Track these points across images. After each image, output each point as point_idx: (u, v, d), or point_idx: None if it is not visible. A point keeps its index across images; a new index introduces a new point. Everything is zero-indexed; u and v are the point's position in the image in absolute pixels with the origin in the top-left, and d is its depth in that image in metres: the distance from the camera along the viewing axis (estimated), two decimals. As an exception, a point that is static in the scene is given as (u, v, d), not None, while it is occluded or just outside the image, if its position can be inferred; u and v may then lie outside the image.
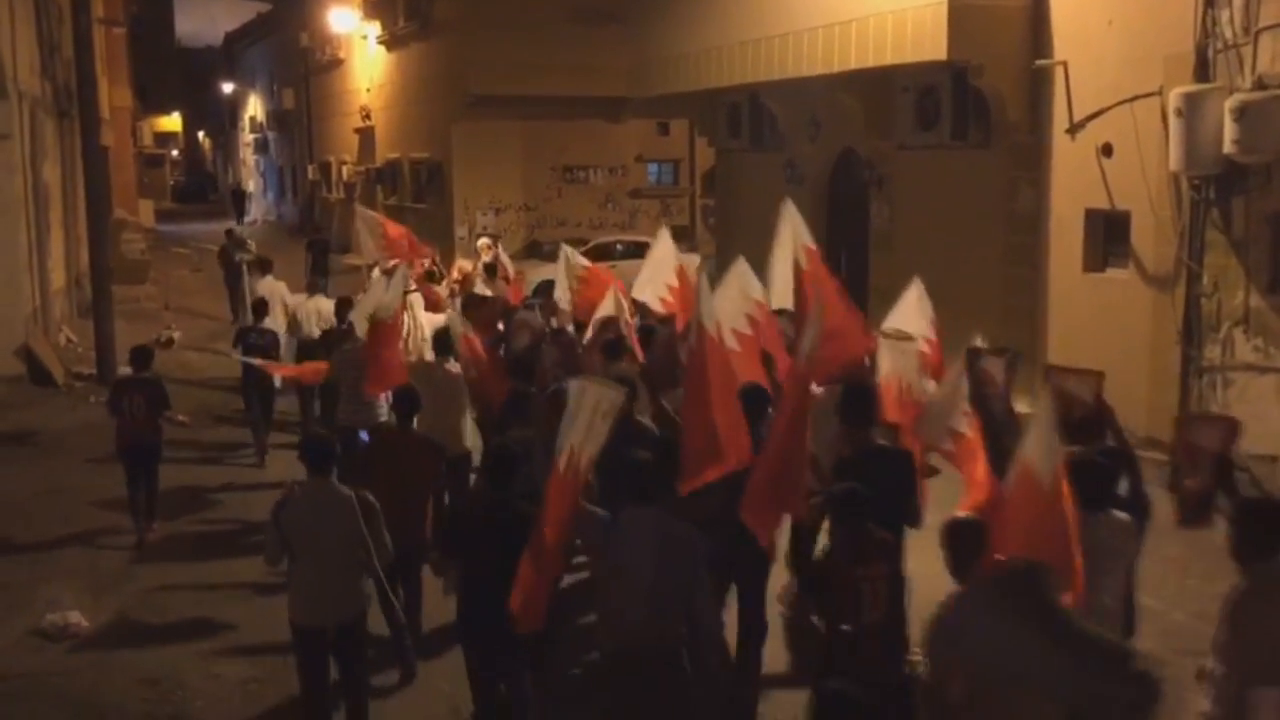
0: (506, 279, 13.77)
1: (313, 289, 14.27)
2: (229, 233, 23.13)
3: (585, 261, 11.93)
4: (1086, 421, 6.48)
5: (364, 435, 9.30)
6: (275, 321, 13.14)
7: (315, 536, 6.00)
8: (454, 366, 9.33)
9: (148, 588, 9.04)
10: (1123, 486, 5.86)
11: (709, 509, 6.02)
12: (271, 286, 14.85)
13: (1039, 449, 4.98)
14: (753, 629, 6.63)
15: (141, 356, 10.42)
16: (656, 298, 10.51)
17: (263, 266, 16.32)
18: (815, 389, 7.12)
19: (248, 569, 9.11)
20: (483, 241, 15.83)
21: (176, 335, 19.48)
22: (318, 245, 22.39)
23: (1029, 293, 13.30)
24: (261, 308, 13.03)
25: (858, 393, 6.87)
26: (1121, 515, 5.44)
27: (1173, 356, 11.37)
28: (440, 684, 7.21)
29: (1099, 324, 12.33)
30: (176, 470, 11.09)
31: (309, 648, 6.16)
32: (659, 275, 10.64)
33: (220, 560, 9.62)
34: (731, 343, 7.61)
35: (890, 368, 7.93)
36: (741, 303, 8.47)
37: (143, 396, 9.96)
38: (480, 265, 14.18)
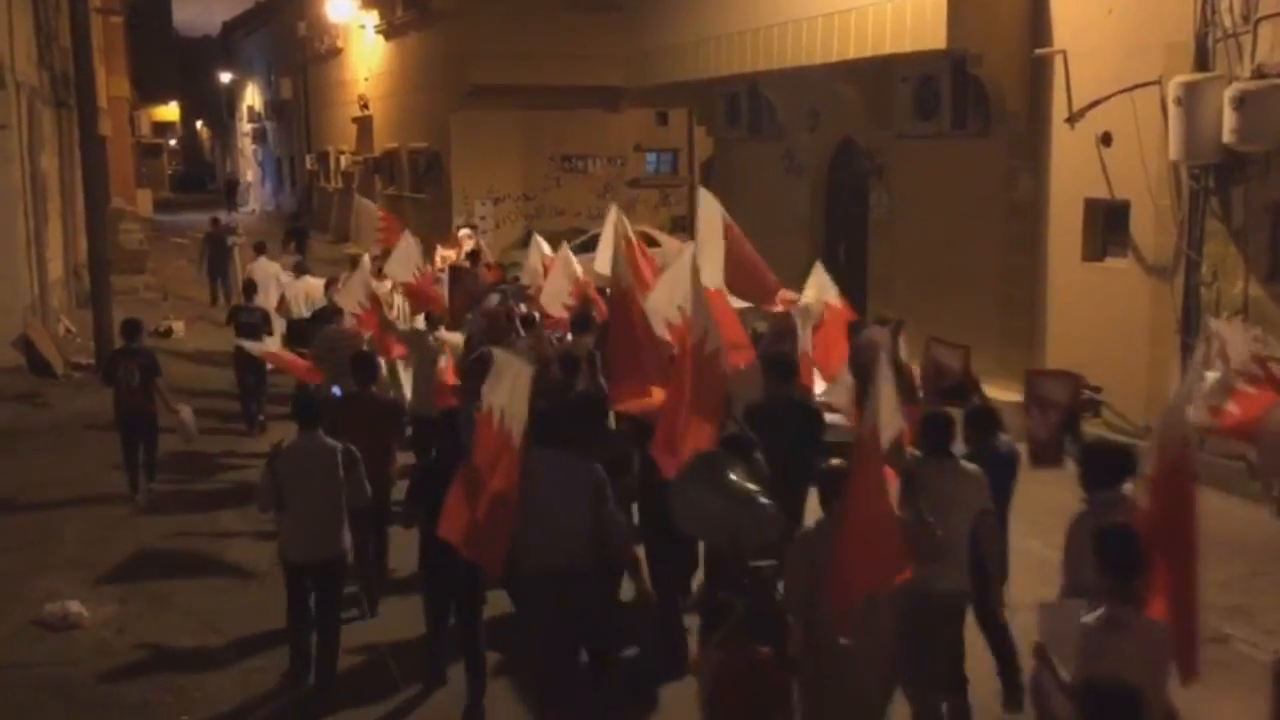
0: (488, 265, 14.74)
1: (300, 270, 14.75)
2: (214, 220, 24.11)
3: (549, 250, 12.60)
4: (956, 387, 7.54)
5: (337, 391, 9.67)
6: (267, 300, 13.60)
7: (305, 482, 6.83)
8: (444, 335, 10.29)
9: (147, 577, 9.05)
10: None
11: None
12: (265, 268, 15.47)
13: (883, 411, 5.26)
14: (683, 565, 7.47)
15: (132, 328, 10.99)
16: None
17: (257, 249, 17.12)
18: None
19: (248, 559, 9.14)
20: (463, 232, 17.07)
21: (176, 325, 19.49)
22: (296, 233, 23.16)
23: (1028, 282, 13.29)
24: (251, 287, 13.71)
25: (775, 357, 8.18)
26: (969, 466, 6.18)
27: (1172, 345, 11.38)
28: (403, 619, 7.85)
29: (1098, 313, 12.33)
30: (172, 438, 11.26)
31: (296, 581, 7.02)
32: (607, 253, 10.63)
33: (219, 551, 9.63)
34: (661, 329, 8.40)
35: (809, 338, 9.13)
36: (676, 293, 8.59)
37: (136, 365, 10.51)
38: (464, 254, 14.97)
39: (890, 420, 5.38)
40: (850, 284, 17.01)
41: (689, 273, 7.73)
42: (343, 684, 7.14)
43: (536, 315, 11.09)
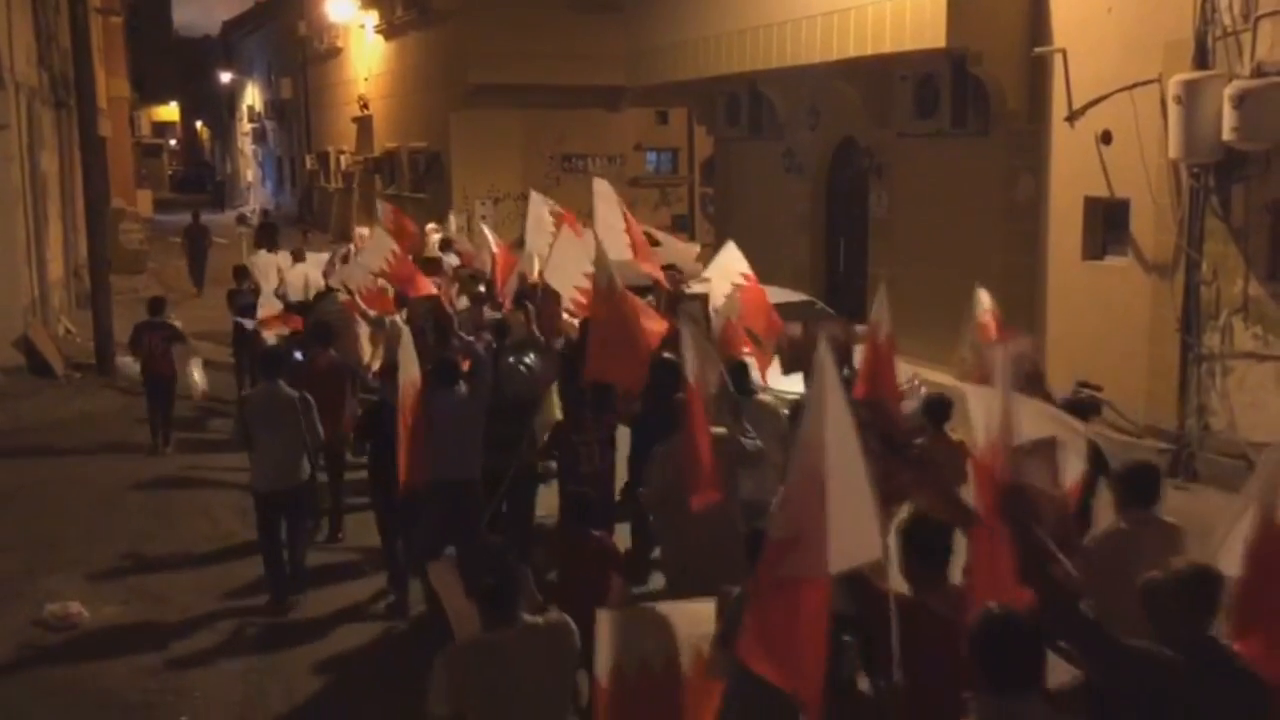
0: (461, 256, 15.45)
1: (297, 257, 15.83)
2: (195, 215, 26.28)
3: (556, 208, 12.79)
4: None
5: (298, 355, 10.28)
6: (266, 285, 14.44)
7: (268, 424, 8.13)
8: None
9: (148, 578, 9.05)
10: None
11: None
12: (266, 259, 16.41)
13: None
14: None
15: (157, 305, 13.08)
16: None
17: (258, 241, 18.78)
18: None
19: (250, 561, 9.14)
20: (430, 226, 18.96)
21: (177, 324, 19.48)
22: (265, 229, 23.79)
23: (1028, 281, 13.29)
24: (242, 273, 15.01)
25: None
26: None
27: (1172, 344, 11.37)
28: (359, 538, 9.39)
29: (1098, 312, 12.33)
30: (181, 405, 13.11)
31: (266, 509, 8.27)
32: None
33: (220, 552, 9.64)
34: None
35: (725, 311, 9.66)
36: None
37: (159, 336, 12.51)
38: (437, 244, 16.46)
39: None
40: (850, 283, 17.06)
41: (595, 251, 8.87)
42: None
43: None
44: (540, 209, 12.42)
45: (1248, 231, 10.67)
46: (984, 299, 8.74)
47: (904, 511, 5.25)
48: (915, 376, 10.40)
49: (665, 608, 5.08)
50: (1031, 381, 6.64)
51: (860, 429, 4.23)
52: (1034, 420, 5.19)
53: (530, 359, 9.36)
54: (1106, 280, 12.32)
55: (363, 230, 17.78)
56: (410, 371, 7.54)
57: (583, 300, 9.84)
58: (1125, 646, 3.82)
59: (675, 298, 10.42)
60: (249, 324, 12.72)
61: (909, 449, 6.59)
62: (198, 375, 13.96)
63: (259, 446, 8.18)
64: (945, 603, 4.35)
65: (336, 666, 7.48)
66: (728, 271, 10.22)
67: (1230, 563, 4.26)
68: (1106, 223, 12.41)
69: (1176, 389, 11.30)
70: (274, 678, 7.39)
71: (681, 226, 27.97)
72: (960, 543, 4.71)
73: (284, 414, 8.09)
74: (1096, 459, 5.74)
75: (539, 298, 10.31)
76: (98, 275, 16.86)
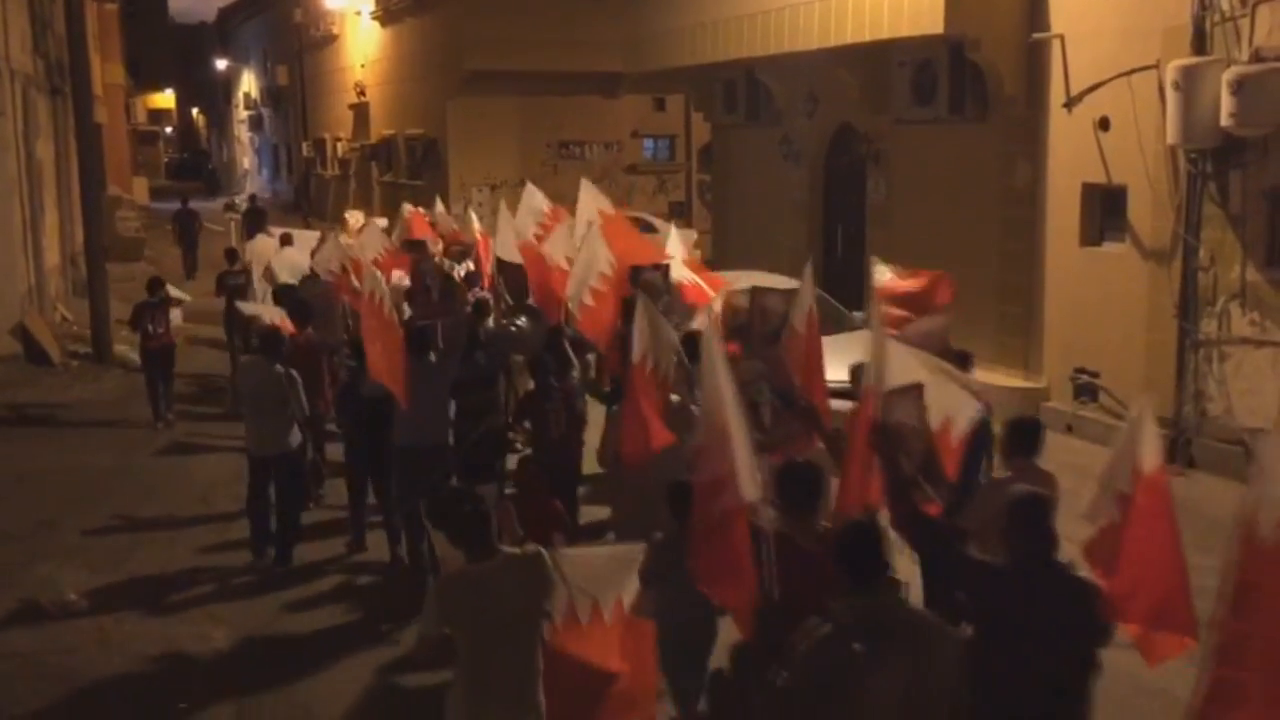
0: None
1: (285, 241, 16.38)
2: (184, 200, 27.75)
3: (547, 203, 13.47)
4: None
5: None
6: (258, 269, 15.10)
7: (259, 394, 8.91)
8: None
9: (146, 566, 9.05)
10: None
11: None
12: (262, 244, 16.96)
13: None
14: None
15: (156, 284, 13.73)
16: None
17: (246, 226, 21.06)
18: None
19: (247, 555, 9.15)
20: (406, 206, 19.04)
21: (174, 313, 19.47)
22: (252, 214, 26.05)
23: (1026, 267, 13.28)
24: (232, 255, 16.16)
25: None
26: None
27: (1169, 330, 11.37)
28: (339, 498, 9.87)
29: (1096, 298, 12.33)
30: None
31: (256, 470, 9.04)
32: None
33: (218, 539, 9.65)
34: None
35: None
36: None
37: (161, 314, 13.25)
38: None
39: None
40: (848, 269, 17.05)
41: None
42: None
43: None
44: (533, 199, 13.14)
45: (1245, 217, 10.66)
46: (883, 271, 9.16)
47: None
48: None
49: (597, 553, 5.50)
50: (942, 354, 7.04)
51: (756, 382, 5.83)
52: (905, 367, 5.81)
53: (522, 321, 10.68)
54: (1104, 266, 12.32)
55: (355, 213, 19.79)
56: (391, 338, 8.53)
57: (601, 289, 10.36)
58: (966, 557, 4.66)
59: (635, 270, 10.95)
60: (245, 308, 12.86)
61: (799, 403, 7.16)
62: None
63: (250, 415, 9.11)
64: (811, 538, 5.00)
65: (338, 655, 7.49)
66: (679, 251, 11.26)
67: (1105, 509, 4.89)
68: (1104, 209, 12.40)
69: (1174, 375, 11.30)
70: (273, 663, 7.40)
71: (679, 213, 27.94)
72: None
73: (273, 387, 8.87)
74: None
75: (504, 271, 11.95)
76: (94, 263, 16.84)
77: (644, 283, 10.03)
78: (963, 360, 7.44)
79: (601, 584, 5.03)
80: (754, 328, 8.25)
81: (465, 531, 4.82)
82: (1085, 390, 12.49)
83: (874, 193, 16.34)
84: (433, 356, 8.67)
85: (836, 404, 7.24)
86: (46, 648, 7.65)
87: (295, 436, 9.06)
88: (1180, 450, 11.09)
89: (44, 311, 18.10)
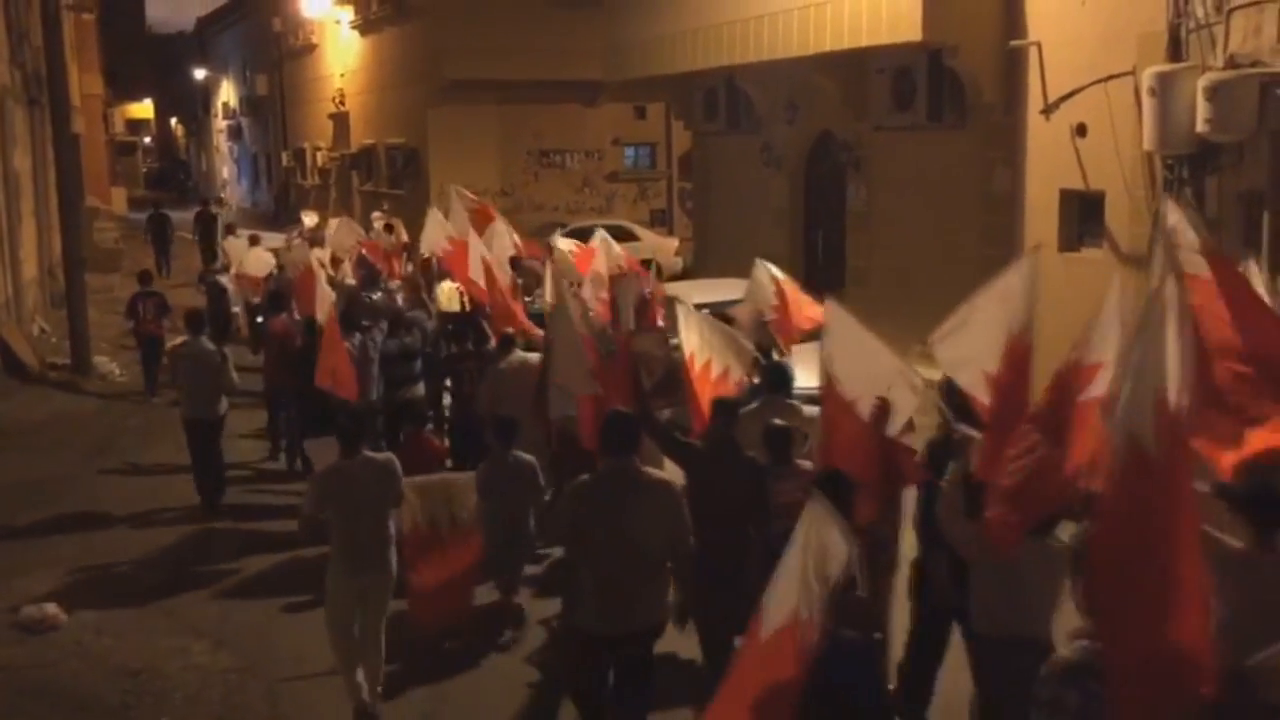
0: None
1: (254, 241, 17.87)
2: (156, 205, 29.24)
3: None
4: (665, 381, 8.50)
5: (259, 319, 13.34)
6: (234, 266, 16.79)
7: (191, 370, 10.42)
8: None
9: (126, 579, 9.00)
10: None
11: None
12: (236, 244, 18.63)
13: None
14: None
15: (146, 276, 15.56)
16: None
17: (228, 228, 22.64)
18: None
19: (227, 560, 9.10)
20: (375, 214, 20.99)
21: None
22: (205, 216, 27.08)
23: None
24: (210, 255, 17.81)
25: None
26: None
27: (1147, 335, 11.43)
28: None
29: (1074, 303, 12.35)
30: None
31: (190, 432, 10.50)
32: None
33: (198, 553, 9.60)
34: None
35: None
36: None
37: (152, 304, 14.64)
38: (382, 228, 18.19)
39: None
40: (828, 275, 17.09)
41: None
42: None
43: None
44: (458, 203, 13.97)
45: (1221, 222, 10.74)
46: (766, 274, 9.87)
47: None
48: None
49: (445, 477, 8.01)
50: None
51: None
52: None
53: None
54: (1082, 271, 12.37)
55: (310, 214, 22.00)
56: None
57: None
58: (680, 442, 6.78)
59: (514, 260, 12.46)
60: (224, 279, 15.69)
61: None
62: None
63: (184, 387, 10.65)
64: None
65: (318, 665, 7.46)
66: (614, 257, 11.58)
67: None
68: (1082, 214, 12.48)
69: (1152, 379, 11.36)
70: (255, 677, 7.36)
71: (660, 221, 27.97)
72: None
73: (204, 362, 10.27)
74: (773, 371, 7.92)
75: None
76: (72, 274, 16.73)
77: (523, 268, 12.45)
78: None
79: (452, 499, 7.50)
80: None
81: (340, 435, 6.57)
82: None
83: (854, 199, 16.40)
84: (357, 336, 10.31)
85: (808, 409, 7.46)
86: (26, 661, 7.59)
87: (223, 406, 10.51)
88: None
89: (21, 323, 17.98)
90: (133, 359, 16.07)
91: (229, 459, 11.09)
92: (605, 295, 10.31)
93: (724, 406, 6.75)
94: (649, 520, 5.43)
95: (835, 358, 6.13)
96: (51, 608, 8.18)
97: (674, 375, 8.09)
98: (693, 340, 7.93)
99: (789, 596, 3.95)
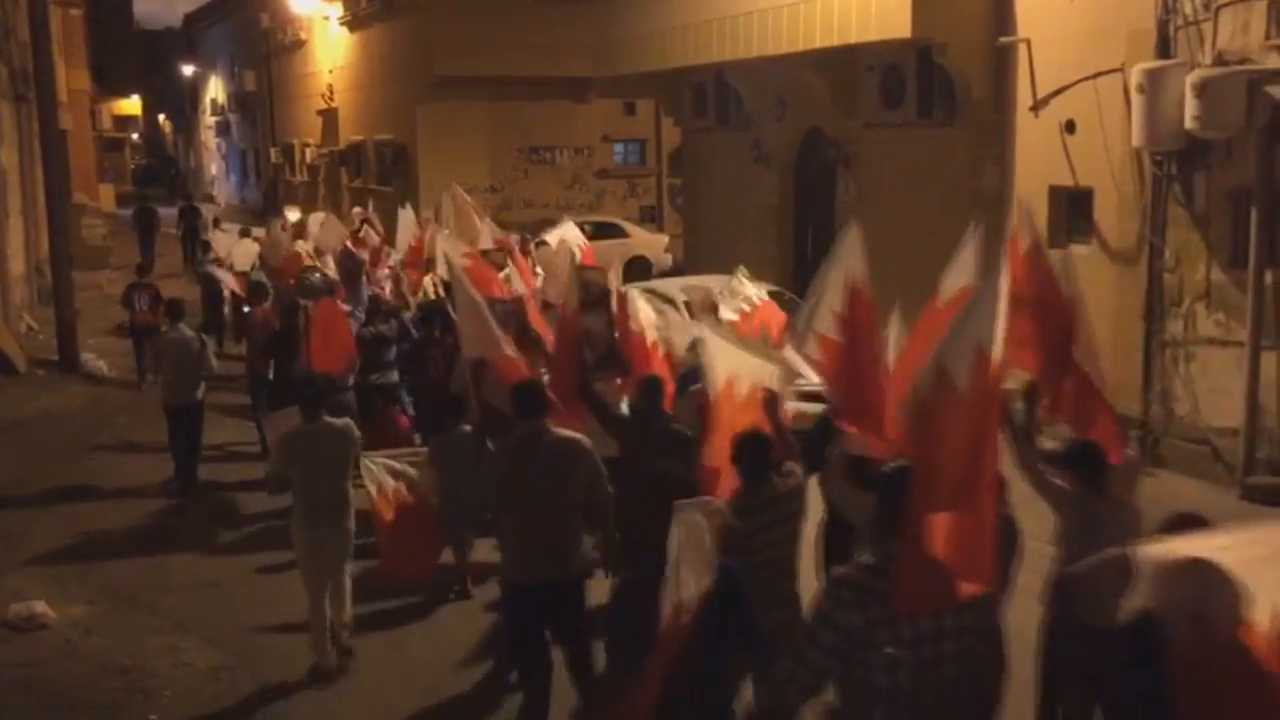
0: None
1: (242, 234, 19.29)
2: (142, 198, 31.96)
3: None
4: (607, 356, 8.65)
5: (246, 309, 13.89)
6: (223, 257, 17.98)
7: (172, 357, 10.97)
8: None
9: (114, 577, 8.97)
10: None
11: None
12: (223, 236, 20.04)
13: None
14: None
15: (142, 268, 17.29)
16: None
17: (214, 222, 23.88)
18: None
19: (215, 559, 9.08)
20: (356, 210, 21.17)
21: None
22: (189, 211, 28.43)
23: (994, 269, 13.35)
24: (206, 246, 19.11)
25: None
26: None
27: (1136, 331, 11.48)
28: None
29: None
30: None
31: (171, 419, 11.01)
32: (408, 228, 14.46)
33: (186, 551, 9.57)
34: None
35: None
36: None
37: (146, 294, 15.55)
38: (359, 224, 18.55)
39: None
40: (816, 271, 17.10)
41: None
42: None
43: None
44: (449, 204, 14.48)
45: (1210, 219, 10.78)
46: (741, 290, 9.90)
47: None
48: None
49: (414, 452, 8.66)
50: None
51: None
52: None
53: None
54: (1071, 268, 12.39)
55: (292, 209, 23.77)
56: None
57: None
58: (614, 415, 7.48)
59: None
60: (217, 273, 16.38)
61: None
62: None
63: (165, 375, 11.10)
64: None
65: (307, 663, 7.44)
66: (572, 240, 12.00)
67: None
68: (1071, 211, 12.50)
69: (1141, 375, 11.41)
70: (243, 675, 7.35)
71: (650, 218, 27.97)
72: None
73: (185, 348, 10.93)
74: None
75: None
76: (60, 271, 16.66)
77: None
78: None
79: (414, 469, 8.16)
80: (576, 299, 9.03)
81: (302, 403, 7.38)
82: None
83: (844, 195, 16.41)
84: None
85: (806, 406, 7.48)
86: (14, 660, 7.56)
87: (200, 390, 11.12)
88: (1148, 450, 11.19)
89: (9, 320, 17.90)
90: (121, 355, 16.47)
91: (219, 440, 12.14)
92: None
93: (652, 383, 7.39)
94: (561, 473, 6.02)
95: (718, 365, 6.29)
96: (39, 605, 8.15)
97: (615, 351, 8.44)
98: (721, 366, 6.47)
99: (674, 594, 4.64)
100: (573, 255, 10.77)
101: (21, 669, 7.45)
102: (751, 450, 5.57)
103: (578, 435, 6.28)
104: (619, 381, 8.45)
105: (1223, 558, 3.81)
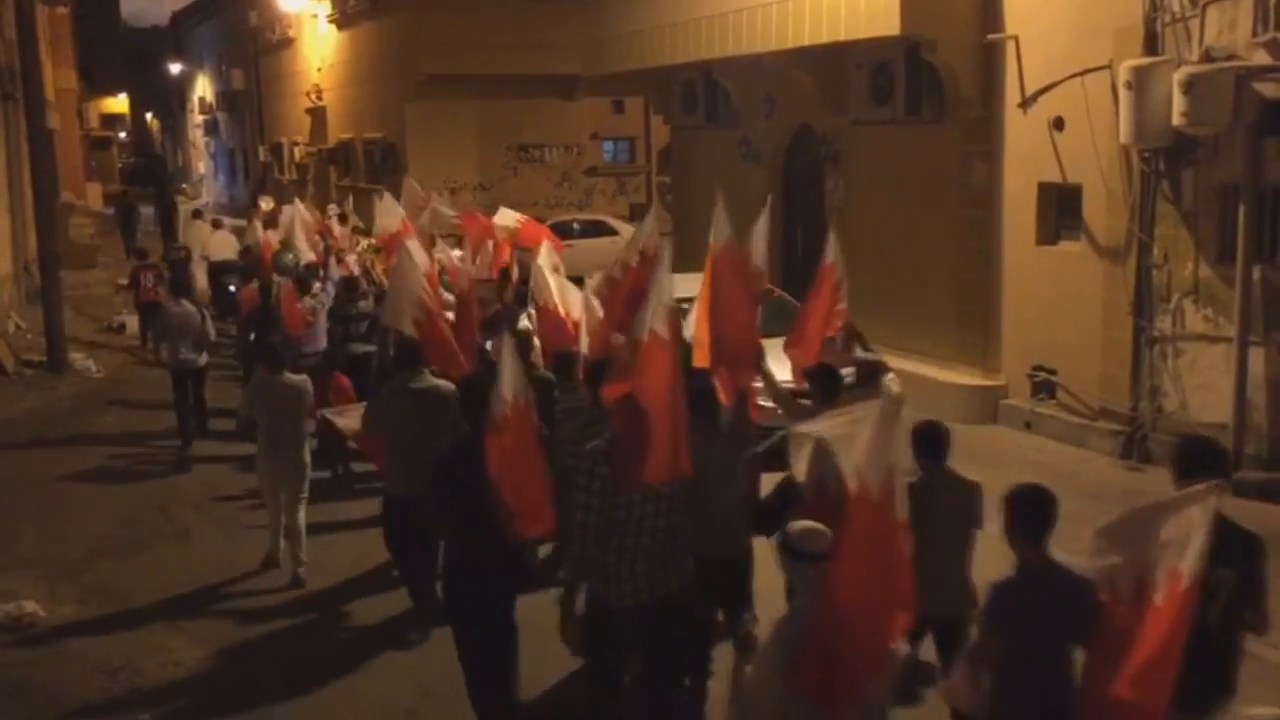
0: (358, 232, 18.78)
1: (216, 225, 20.74)
2: (124, 192, 32.62)
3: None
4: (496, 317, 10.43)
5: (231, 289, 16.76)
6: (197, 250, 19.41)
7: (174, 326, 12.35)
8: None
9: (105, 576, 8.95)
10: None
11: None
12: (200, 229, 21.02)
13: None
14: None
15: (142, 252, 18.67)
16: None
17: (194, 214, 24.31)
18: None
19: (208, 558, 9.06)
20: (330, 206, 22.21)
21: (129, 321, 19.28)
22: (166, 203, 30.62)
23: (983, 266, 13.41)
24: (171, 235, 21.74)
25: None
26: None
27: (1125, 327, 11.52)
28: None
29: (1052, 296, 12.46)
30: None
31: (176, 380, 12.42)
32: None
33: (179, 549, 9.55)
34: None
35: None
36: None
37: (151, 274, 17.16)
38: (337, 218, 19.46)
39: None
40: (807, 270, 17.11)
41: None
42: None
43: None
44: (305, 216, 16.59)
45: (1198, 215, 10.82)
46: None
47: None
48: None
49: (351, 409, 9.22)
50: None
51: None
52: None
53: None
54: (1060, 264, 12.45)
55: (267, 199, 24.35)
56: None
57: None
58: (491, 365, 7.88)
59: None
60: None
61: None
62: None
63: (166, 341, 12.46)
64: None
65: (297, 663, 7.44)
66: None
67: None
68: (1060, 208, 12.53)
69: (1129, 371, 11.45)
70: (232, 674, 7.34)
71: (639, 215, 27.94)
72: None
73: (188, 320, 12.34)
74: None
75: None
76: (48, 270, 16.61)
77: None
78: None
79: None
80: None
81: (265, 359, 8.98)
82: (1043, 388, 12.62)
83: (832, 193, 16.42)
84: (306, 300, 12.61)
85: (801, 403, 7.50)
86: (5, 660, 7.55)
87: (204, 357, 12.53)
88: (1136, 446, 11.24)
89: (-3, 320, 17.84)
90: (110, 356, 16.97)
91: (217, 405, 13.08)
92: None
93: (562, 359, 8.75)
94: (429, 410, 7.60)
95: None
96: (29, 605, 8.14)
97: (497, 317, 10.15)
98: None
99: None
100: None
101: (11, 669, 7.43)
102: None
103: (442, 383, 7.78)
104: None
105: (828, 432, 5.03)
